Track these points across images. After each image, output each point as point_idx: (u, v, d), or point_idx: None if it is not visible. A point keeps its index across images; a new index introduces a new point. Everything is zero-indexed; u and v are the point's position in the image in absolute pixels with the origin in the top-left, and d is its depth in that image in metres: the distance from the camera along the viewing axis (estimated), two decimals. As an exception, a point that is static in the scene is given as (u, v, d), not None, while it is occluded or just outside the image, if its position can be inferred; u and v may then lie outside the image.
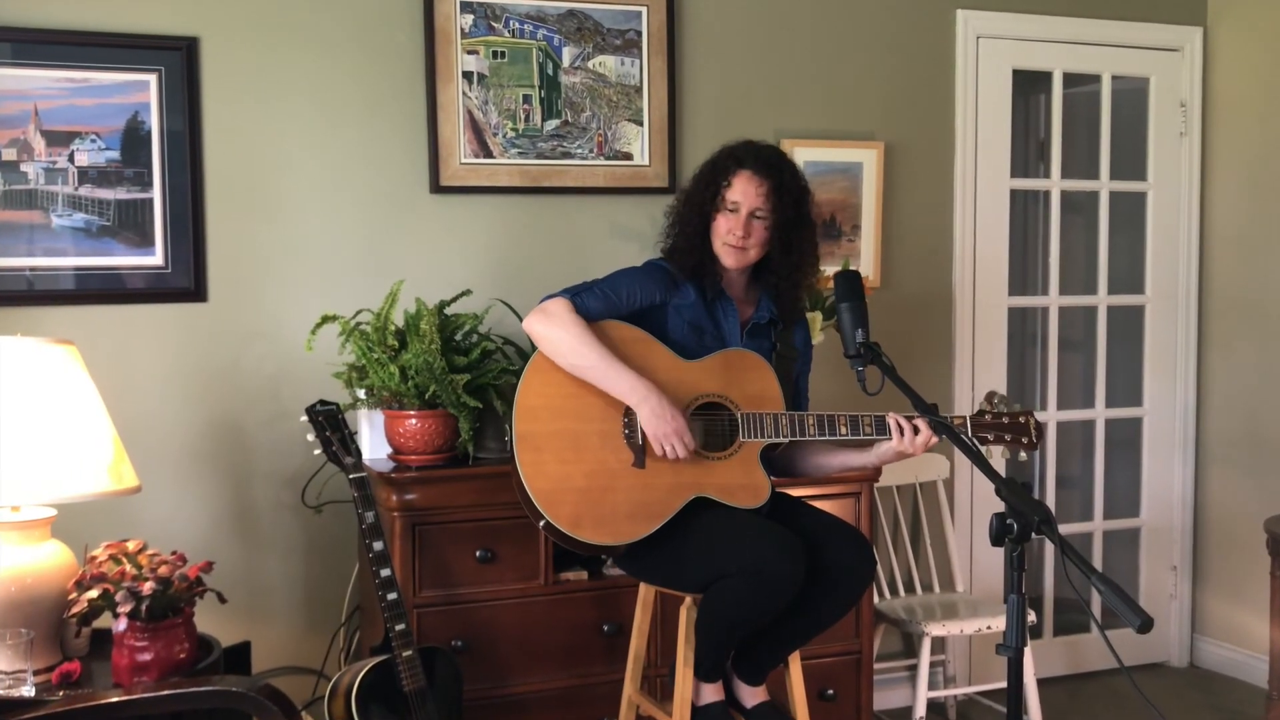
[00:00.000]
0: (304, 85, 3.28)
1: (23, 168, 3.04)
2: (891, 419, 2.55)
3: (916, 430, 2.52)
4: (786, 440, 2.63)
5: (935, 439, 2.50)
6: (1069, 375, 4.42)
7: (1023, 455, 2.65)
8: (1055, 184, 4.22)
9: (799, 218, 2.66)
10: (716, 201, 2.64)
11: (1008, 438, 2.61)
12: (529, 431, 2.55)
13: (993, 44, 4.01)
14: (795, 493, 2.92)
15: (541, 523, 2.54)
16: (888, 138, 3.88)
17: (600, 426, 2.57)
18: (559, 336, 2.55)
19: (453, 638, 2.98)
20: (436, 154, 3.36)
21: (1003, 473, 2.20)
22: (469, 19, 3.37)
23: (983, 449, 2.60)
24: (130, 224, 3.13)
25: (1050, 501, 4.26)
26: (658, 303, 2.66)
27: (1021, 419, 2.63)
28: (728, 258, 2.65)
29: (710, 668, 2.63)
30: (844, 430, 2.59)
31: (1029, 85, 4.43)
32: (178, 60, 3.13)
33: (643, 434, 2.55)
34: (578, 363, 2.55)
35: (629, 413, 2.57)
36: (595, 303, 2.60)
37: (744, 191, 2.62)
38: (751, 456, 2.62)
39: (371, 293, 3.26)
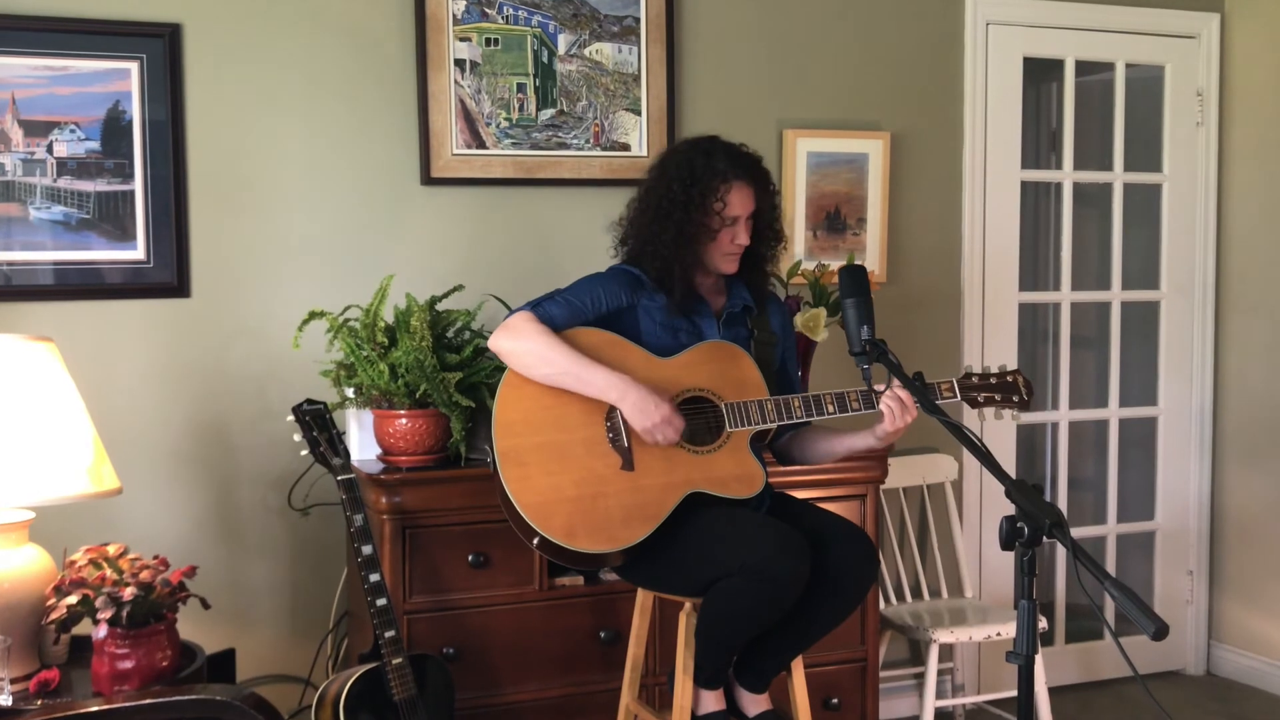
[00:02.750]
0: (290, 74, 3.25)
1: None
2: (882, 399, 2.53)
3: (901, 401, 2.52)
4: (774, 426, 2.61)
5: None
6: (1082, 373, 4.41)
7: (1016, 415, 2.66)
8: (1067, 176, 4.19)
9: (774, 205, 2.69)
10: (711, 220, 2.59)
11: (998, 397, 2.64)
12: (511, 447, 2.52)
13: (1003, 30, 3.97)
14: (799, 494, 2.88)
15: (535, 540, 2.51)
16: (894, 128, 3.84)
17: (583, 434, 2.54)
18: (525, 349, 2.52)
19: (444, 645, 2.95)
20: (427, 144, 3.32)
21: (1013, 470, 2.14)
22: (461, 5, 3.33)
23: (974, 411, 2.64)
24: (110, 217, 3.09)
25: (1062, 504, 4.24)
26: (625, 305, 2.64)
27: (1010, 377, 2.67)
28: (728, 265, 2.66)
29: (711, 674, 2.61)
30: (831, 409, 2.60)
31: (1040, 73, 4.41)
32: (160, 48, 3.10)
33: (628, 434, 2.52)
34: (548, 371, 2.52)
35: (610, 415, 2.55)
36: (559, 311, 2.57)
37: (741, 203, 2.62)
38: (741, 446, 2.61)
39: (360, 288, 3.23)
